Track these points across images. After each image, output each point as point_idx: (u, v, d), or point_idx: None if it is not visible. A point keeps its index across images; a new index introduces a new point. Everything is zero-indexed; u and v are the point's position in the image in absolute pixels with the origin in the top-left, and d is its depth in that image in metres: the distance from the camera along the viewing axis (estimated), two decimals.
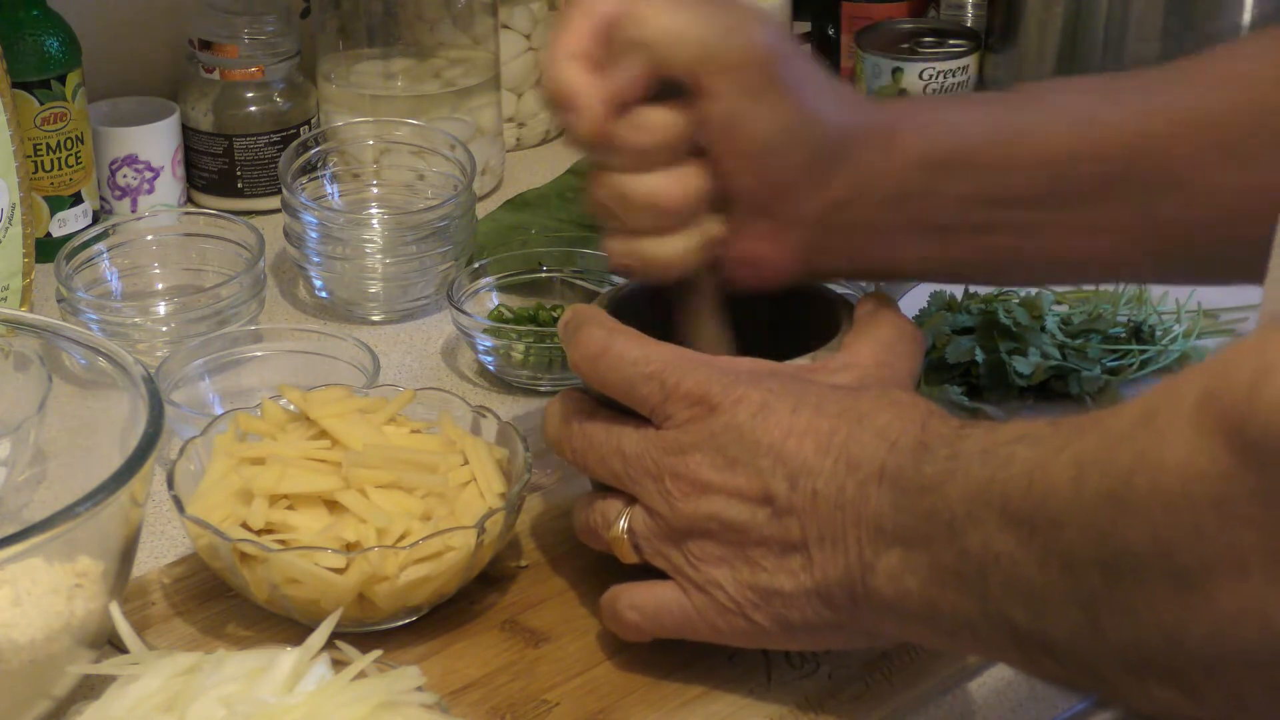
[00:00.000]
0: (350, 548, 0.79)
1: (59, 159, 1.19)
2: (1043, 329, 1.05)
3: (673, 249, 0.80)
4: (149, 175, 1.25)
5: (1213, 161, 0.79)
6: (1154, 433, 0.59)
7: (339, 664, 0.71)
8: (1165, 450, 0.58)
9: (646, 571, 0.77)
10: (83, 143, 1.20)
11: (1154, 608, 0.60)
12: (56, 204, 1.21)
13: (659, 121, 0.77)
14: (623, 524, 0.77)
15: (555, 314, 1.09)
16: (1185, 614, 0.59)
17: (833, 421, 0.72)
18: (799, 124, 0.78)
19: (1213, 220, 0.80)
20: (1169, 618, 0.59)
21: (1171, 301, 1.12)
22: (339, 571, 0.77)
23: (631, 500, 0.77)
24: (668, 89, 0.77)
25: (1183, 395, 0.59)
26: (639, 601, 0.77)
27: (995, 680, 0.82)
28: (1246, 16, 1.33)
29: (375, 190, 1.23)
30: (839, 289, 0.97)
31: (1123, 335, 1.07)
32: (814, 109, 0.79)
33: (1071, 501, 0.62)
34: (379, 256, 1.13)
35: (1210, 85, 0.80)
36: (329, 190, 1.20)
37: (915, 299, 1.10)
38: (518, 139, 1.42)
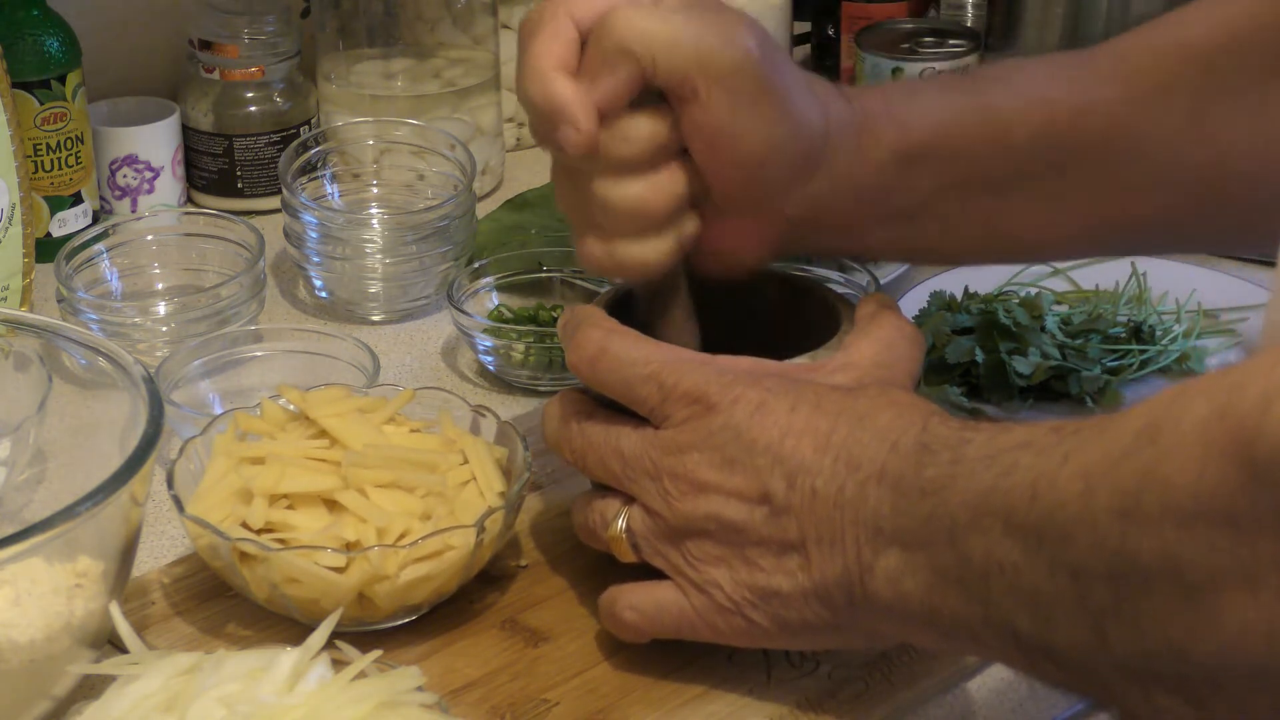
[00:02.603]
0: (350, 547, 0.78)
1: (59, 159, 1.19)
2: (1043, 329, 1.05)
3: (651, 251, 0.79)
4: (149, 175, 1.25)
5: (1181, 127, 0.80)
6: (1159, 450, 0.59)
7: (339, 664, 0.71)
8: (1172, 468, 0.58)
9: (645, 571, 0.77)
10: (83, 143, 1.20)
11: (1162, 621, 0.60)
12: (56, 204, 1.21)
13: (645, 131, 0.77)
14: (621, 523, 0.77)
15: (555, 314, 1.09)
16: (1193, 627, 0.59)
17: (831, 421, 0.72)
18: (787, 132, 0.78)
19: (1180, 191, 0.81)
20: (1176, 631, 0.59)
21: (1171, 301, 1.12)
22: (339, 571, 0.77)
23: (630, 500, 0.77)
24: (646, 92, 0.77)
25: (1186, 411, 0.58)
26: (637, 602, 0.77)
27: (995, 680, 0.82)
28: None
29: (375, 190, 1.23)
30: (840, 289, 0.97)
31: (1123, 335, 1.07)
32: (800, 114, 0.78)
33: (1080, 515, 0.61)
34: (379, 256, 1.13)
35: (1165, 55, 0.81)
36: (329, 190, 1.20)
37: (915, 299, 1.10)
38: (518, 139, 1.42)
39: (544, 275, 1.13)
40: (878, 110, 0.82)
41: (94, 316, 1.05)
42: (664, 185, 0.78)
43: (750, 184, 0.79)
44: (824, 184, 0.80)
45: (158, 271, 1.14)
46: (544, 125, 0.77)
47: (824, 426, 0.72)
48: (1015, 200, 0.83)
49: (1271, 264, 1.20)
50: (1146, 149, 0.81)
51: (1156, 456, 0.59)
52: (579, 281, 1.13)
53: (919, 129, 0.81)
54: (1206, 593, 0.58)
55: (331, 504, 0.81)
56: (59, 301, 1.06)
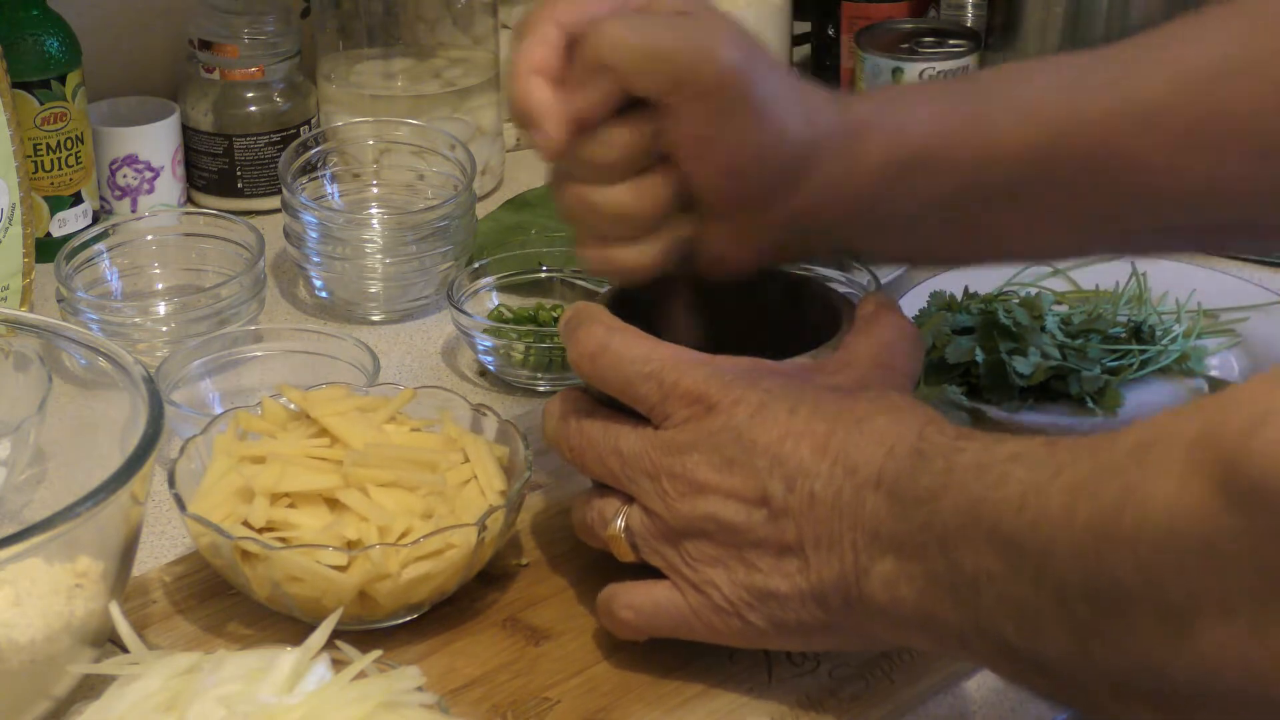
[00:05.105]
0: (351, 545, 0.79)
1: (59, 159, 1.19)
2: (1043, 329, 1.05)
3: (642, 254, 0.80)
4: (149, 175, 1.25)
5: (1177, 151, 0.78)
6: (1146, 468, 0.59)
7: (339, 664, 0.71)
8: (1154, 486, 0.58)
9: (644, 570, 0.77)
10: (83, 143, 1.20)
11: (1140, 641, 0.60)
12: (56, 204, 1.21)
13: (624, 139, 0.77)
14: (620, 522, 0.77)
15: (555, 314, 1.09)
16: (1171, 650, 0.59)
17: (830, 424, 0.72)
18: (767, 143, 0.78)
19: (1179, 205, 0.80)
20: (1155, 652, 0.59)
21: (1171, 301, 1.12)
22: (341, 569, 0.78)
23: (629, 499, 0.77)
24: (631, 99, 0.77)
25: (1180, 432, 0.58)
26: (635, 601, 0.77)
27: (995, 680, 0.81)
28: None
29: (375, 190, 1.23)
30: (840, 289, 0.97)
31: (1123, 335, 1.07)
32: (782, 125, 0.78)
33: (1062, 530, 0.61)
34: (379, 256, 1.13)
35: (1165, 75, 0.79)
36: (329, 190, 1.20)
37: (915, 299, 1.10)
38: (518, 139, 1.42)
39: (544, 275, 1.13)
40: (870, 119, 0.81)
41: (94, 316, 1.05)
42: (648, 190, 0.78)
43: (732, 192, 0.79)
44: (813, 192, 0.80)
45: (158, 271, 1.14)
46: (519, 127, 0.79)
47: (823, 429, 0.72)
48: (1008, 211, 0.82)
49: (1272, 264, 1.20)
50: (1144, 165, 0.79)
51: (1141, 474, 0.59)
52: (579, 281, 1.13)
53: (910, 140, 0.80)
54: (1182, 617, 0.58)
55: (333, 503, 0.81)
56: (59, 301, 1.06)
